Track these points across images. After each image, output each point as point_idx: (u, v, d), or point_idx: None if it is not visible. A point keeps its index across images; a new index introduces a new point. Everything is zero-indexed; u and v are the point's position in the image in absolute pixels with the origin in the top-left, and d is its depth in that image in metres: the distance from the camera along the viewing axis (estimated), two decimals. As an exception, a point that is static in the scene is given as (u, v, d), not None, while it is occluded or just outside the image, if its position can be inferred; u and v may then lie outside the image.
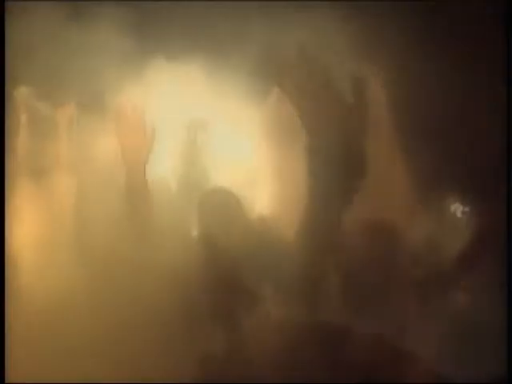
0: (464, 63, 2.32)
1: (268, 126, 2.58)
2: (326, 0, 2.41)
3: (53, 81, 2.57)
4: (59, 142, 2.64)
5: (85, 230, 2.37)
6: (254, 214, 2.44)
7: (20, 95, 2.61)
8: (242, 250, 2.17)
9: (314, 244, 1.95)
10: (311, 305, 1.93)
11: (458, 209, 2.58)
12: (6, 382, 1.78)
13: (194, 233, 2.38)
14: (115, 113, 2.17)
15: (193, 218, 2.41)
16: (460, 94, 2.36)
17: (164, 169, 2.61)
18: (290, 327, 1.76)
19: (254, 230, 2.35)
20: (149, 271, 2.09)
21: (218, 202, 2.35)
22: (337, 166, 1.70)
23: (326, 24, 2.36)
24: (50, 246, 2.37)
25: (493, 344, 1.94)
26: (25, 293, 2.16)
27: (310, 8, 2.46)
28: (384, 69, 2.41)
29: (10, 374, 1.83)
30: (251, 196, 2.47)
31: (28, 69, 2.54)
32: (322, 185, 1.76)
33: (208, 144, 2.73)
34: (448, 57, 2.35)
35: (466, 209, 2.58)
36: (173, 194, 2.64)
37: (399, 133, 2.32)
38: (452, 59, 2.35)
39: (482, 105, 2.34)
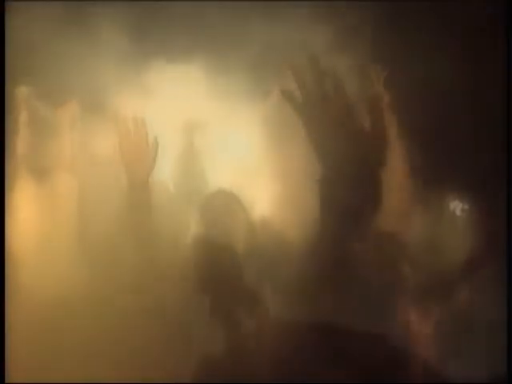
0: (464, 63, 2.32)
1: (268, 126, 2.57)
2: (326, 0, 2.41)
3: (53, 81, 2.57)
4: (60, 141, 2.64)
5: (86, 229, 2.37)
6: (256, 215, 2.43)
7: (20, 95, 2.61)
8: (244, 251, 2.17)
9: (315, 245, 1.94)
10: (312, 306, 1.93)
11: (458, 209, 2.58)
12: (6, 382, 1.78)
13: (195, 234, 2.38)
14: (115, 125, 2.16)
15: (193, 219, 2.41)
16: (460, 93, 2.37)
17: (164, 171, 2.61)
18: (290, 328, 1.76)
19: (256, 231, 2.35)
20: (150, 271, 2.09)
21: (220, 204, 2.34)
22: (341, 172, 1.66)
23: (327, 23, 2.36)
24: (51, 245, 2.37)
25: (493, 344, 1.94)
26: (25, 293, 2.16)
27: (311, 8, 2.46)
28: (386, 68, 2.40)
29: (10, 374, 1.82)
30: (252, 198, 2.47)
31: (28, 68, 2.53)
32: (326, 188, 1.73)
33: (208, 145, 2.73)
34: (448, 57, 2.36)
35: (467, 209, 2.58)
36: (173, 195, 2.64)
37: (400, 133, 2.32)
38: (452, 59, 2.35)
39: (482, 104, 2.34)
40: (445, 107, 2.39)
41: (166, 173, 2.60)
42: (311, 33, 2.36)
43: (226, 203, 2.35)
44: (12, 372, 1.88)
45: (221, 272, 2.08)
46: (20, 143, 2.53)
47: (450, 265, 2.43)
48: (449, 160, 2.41)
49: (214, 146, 2.68)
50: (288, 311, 1.91)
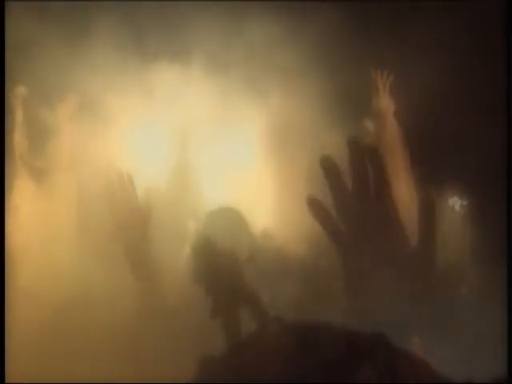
0: (464, 63, 2.33)
1: (269, 136, 2.57)
2: (330, 0, 2.40)
3: (52, 80, 2.57)
4: (58, 141, 2.64)
5: (85, 229, 2.37)
6: (257, 225, 2.42)
7: (19, 95, 2.62)
8: (246, 263, 2.17)
9: (315, 249, 1.93)
10: (311, 310, 1.93)
11: (460, 207, 2.59)
12: (6, 382, 1.78)
13: (195, 245, 2.34)
14: (106, 190, 2.06)
15: (194, 230, 2.37)
16: (460, 93, 2.37)
17: (163, 178, 2.60)
18: (290, 333, 1.76)
19: (258, 243, 2.34)
20: (150, 271, 2.09)
21: (220, 216, 2.32)
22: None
23: (332, 27, 2.36)
24: (50, 245, 2.37)
25: (493, 344, 1.95)
26: (25, 293, 2.16)
27: (314, 9, 2.46)
28: (391, 72, 2.39)
29: (10, 374, 1.83)
30: (253, 212, 2.46)
31: (27, 68, 2.54)
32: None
33: (207, 156, 2.71)
34: (448, 57, 2.36)
35: (467, 208, 2.58)
36: (171, 201, 2.63)
37: (404, 134, 2.32)
38: (452, 59, 2.35)
39: (482, 104, 2.34)
40: (445, 107, 2.40)
41: (164, 180, 2.59)
42: (316, 35, 2.36)
43: (227, 216, 2.33)
44: (12, 372, 1.88)
45: (222, 278, 2.07)
46: (18, 143, 2.53)
47: (450, 263, 2.43)
48: (449, 160, 2.41)
49: (213, 156, 2.66)
50: (288, 317, 1.91)
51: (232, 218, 2.26)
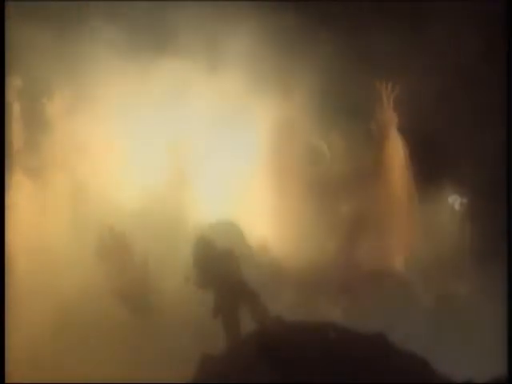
0: (464, 63, 2.33)
1: (267, 149, 2.57)
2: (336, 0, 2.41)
3: (50, 77, 2.57)
4: (56, 136, 2.64)
5: (84, 228, 2.36)
6: (254, 240, 2.43)
7: (17, 91, 2.61)
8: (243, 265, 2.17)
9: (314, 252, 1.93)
10: (309, 309, 1.93)
11: (460, 206, 2.59)
12: (6, 382, 1.79)
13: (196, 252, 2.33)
14: (102, 251, 2.09)
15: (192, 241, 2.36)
16: (460, 94, 2.37)
17: (161, 180, 2.59)
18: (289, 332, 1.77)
19: (254, 253, 2.35)
20: (152, 274, 2.09)
21: (222, 230, 2.34)
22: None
23: (336, 37, 2.36)
24: (49, 245, 2.36)
25: (493, 344, 1.95)
26: (24, 291, 2.16)
27: (316, 13, 2.46)
28: (396, 83, 2.39)
29: (10, 374, 1.83)
30: (250, 223, 2.46)
31: (26, 65, 2.54)
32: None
33: (203, 167, 2.70)
34: (448, 57, 2.36)
35: (468, 208, 2.58)
36: (170, 204, 2.61)
37: (406, 137, 2.32)
38: (452, 59, 2.35)
39: (482, 104, 2.34)
40: (445, 107, 2.40)
41: (163, 182, 2.58)
42: (320, 41, 2.36)
43: (226, 228, 2.35)
44: (12, 372, 1.88)
45: (222, 279, 2.07)
46: (15, 138, 2.53)
47: (451, 262, 2.43)
48: (450, 160, 2.41)
49: (210, 167, 2.66)
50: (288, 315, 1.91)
51: (230, 231, 2.30)
